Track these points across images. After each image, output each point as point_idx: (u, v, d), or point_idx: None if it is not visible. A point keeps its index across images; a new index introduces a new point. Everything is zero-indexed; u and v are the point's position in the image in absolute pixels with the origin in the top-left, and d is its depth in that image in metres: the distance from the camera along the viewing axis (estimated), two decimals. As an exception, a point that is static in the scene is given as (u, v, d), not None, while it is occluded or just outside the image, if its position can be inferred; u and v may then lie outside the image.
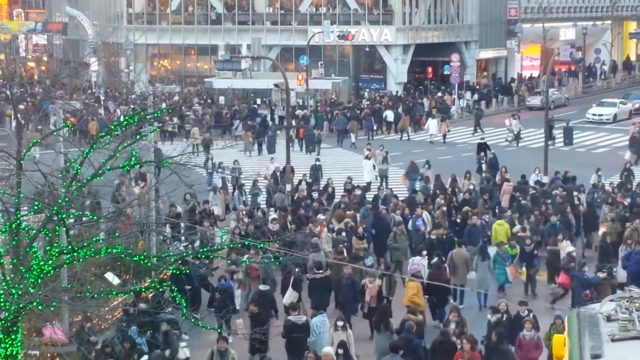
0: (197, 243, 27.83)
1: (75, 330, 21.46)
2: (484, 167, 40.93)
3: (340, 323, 20.80)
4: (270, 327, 22.05)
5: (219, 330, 20.11)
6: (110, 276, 23.64)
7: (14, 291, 15.59)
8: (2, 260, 16.42)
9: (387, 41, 70.16)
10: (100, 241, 17.65)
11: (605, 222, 30.79)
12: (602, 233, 29.55)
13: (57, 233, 17.45)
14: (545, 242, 29.21)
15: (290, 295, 23.69)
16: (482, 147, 44.36)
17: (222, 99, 61.80)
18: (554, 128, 50.29)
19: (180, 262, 19.74)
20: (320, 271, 24.58)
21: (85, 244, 17.01)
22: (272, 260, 22.28)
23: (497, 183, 36.37)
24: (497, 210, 33.33)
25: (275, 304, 23.46)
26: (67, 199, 16.28)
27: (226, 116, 56.44)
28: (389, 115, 57.75)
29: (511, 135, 53.30)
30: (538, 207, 31.55)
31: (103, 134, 17.43)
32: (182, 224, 28.84)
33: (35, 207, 16.90)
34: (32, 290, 15.70)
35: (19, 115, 20.08)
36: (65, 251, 16.42)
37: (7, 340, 16.02)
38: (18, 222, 16.34)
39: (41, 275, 16.08)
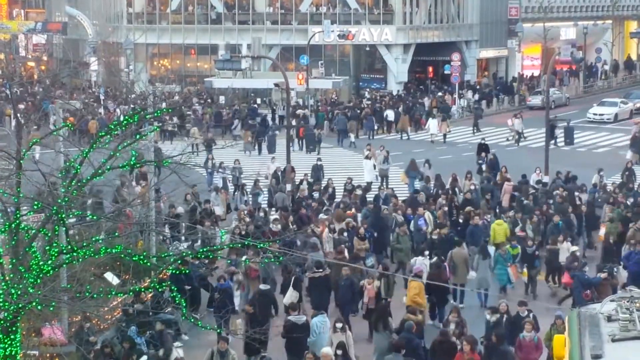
0: (199, 243, 27.79)
1: (75, 330, 21.44)
2: (484, 167, 40.91)
3: (339, 325, 20.76)
4: (270, 327, 22.02)
5: (218, 331, 20.08)
6: (109, 276, 23.62)
7: (13, 291, 15.57)
8: (1, 260, 16.39)
9: (387, 41, 70.16)
10: (100, 241, 17.63)
11: (605, 222, 30.78)
12: (606, 233, 29.49)
13: (56, 233, 17.41)
14: (546, 242, 29.18)
15: (290, 295, 23.67)
16: (482, 147, 44.35)
17: (222, 99, 61.76)
18: (557, 128, 50.27)
19: (179, 262, 19.70)
20: (320, 270, 24.56)
21: (84, 244, 16.99)
22: (272, 260, 22.25)
23: (497, 183, 36.35)
24: (497, 210, 33.32)
25: (276, 302, 23.44)
26: (66, 199, 16.25)
27: (228, 116, 56.42)
28: (390, 114, 57.76)
29: (515, 135, 53.26)
30: (539, 207, 31.53)
31: (103, 133, 17.40)
32: (182, 224, 28.81)
33: (35, 207, 16.87)
34: (31, 290, 15.67)
35: (18, 115, 20.04)
36: (64, 251, 16.39)
37: (6, 341, 15.99)
38: (17, 221, 16.31)
39: (40, 275, 16.05)
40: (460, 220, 30.46)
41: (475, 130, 56.59)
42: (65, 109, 36.29)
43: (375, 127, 55.96)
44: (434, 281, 23.34)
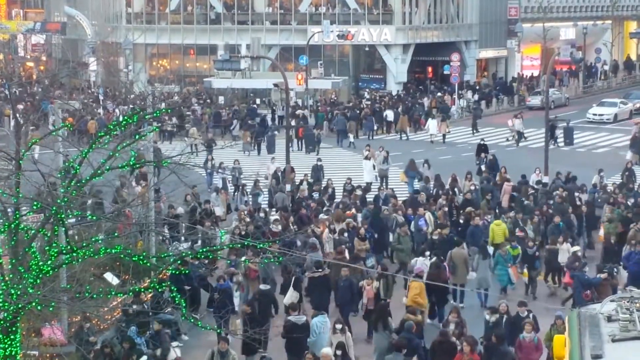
0: (199, 243, 27.77)
1: (75, 330, 21.42)
2: (483, 168, 40.90)
3: (338, 326, 20.73)
4: (270, 327, 22.00)
5: (218, 331, 20.06)
6: (109, 276, 23.59)
7: (12, 291, 15.55)
8: (1, 260, 16.38)
9: (386, 41, 70.15)
10: (99, 241, 17.62)
11: (604, 222, 30.77)
12: (605, 233, 29.46)
13: (56, 233, 17.39)
14: (546, 243, 29.15)
15: (291, 296, 23.66)
16: (482, 148, 44.34)
17: (221, 99, 61.78)
18: (557, 128, 50.31)
19: (179, 262, 19.69)
20: (320, 270, 24.54)
21: (84, 244, 16.98)
22: (272, 260, 22.23)
23: (497, 183, 36.34)
24: (497, 211, 33.30)
25: (277, 302, 23.43)
26: (66, 199, 16.24)
27: (228, 116, 56.39)
28: (389, 115, 57.75)
29: (516, 135, 53.23)
30: (539, 208, 31.52)
31: (102, 133, 17.39)
32: (182, 225, 28.78)
33: (34, 207, 16.85)
34: (31, 291, 15.65)
35: (17, 115, 20.03)
36: (64, 251, 16.37)
37: (6, 341, 15.98)
38: (17, 222, 16.29)
39: (40, 276, 16.03)
40: (461, 221, 30.45)
41: (474, 131, 56.58)
42: (65, 109, 36.35)
43: (375, 128, 55.95)
44: (433, 281, 23.33)
